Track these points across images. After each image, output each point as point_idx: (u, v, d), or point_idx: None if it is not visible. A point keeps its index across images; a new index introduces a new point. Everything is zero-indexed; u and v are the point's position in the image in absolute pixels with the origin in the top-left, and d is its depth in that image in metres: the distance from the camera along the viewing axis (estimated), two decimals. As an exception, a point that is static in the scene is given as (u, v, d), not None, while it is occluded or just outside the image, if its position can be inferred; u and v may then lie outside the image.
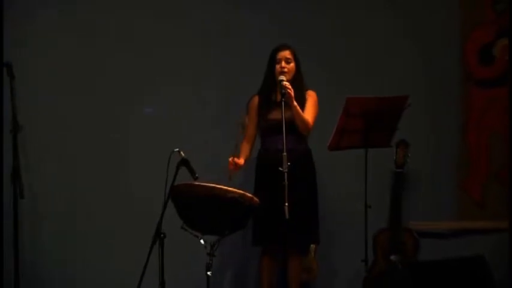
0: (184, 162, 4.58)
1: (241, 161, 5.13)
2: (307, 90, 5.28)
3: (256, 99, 5.33)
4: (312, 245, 5.49)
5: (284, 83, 5.04)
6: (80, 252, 5.50)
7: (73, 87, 5.47)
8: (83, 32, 5.49)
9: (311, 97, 5.27)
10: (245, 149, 5.28)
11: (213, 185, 4.63)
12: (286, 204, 4.62)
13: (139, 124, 5.60)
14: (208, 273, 4.66)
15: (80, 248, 5.51)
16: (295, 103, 5.11)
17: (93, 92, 5.50)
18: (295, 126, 5.11)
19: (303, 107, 5.18)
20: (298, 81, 5.20)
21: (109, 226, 5.52)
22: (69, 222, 5.48)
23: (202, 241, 4.71)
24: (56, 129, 5.48)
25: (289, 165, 4.67)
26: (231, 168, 5.05)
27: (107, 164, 5.57)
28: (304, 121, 5.17)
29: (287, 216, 4.63)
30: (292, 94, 5.05)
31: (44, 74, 5.44)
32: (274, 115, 5.14)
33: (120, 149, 5.56)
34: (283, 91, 4.98)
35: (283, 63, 5.21)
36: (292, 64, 5.23)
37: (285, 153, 4.70)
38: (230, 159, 5.02)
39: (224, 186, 4.69)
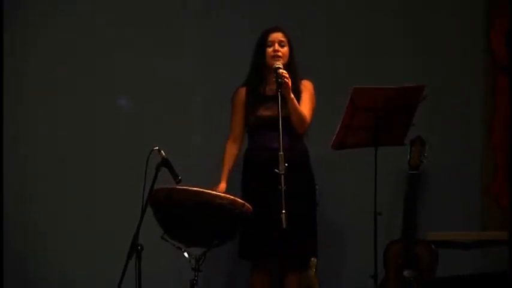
0: (165, 162, 4.36)
1: (223, 186, 4.96)
2: (301, 80, 5.02)
3: (242, 91, 5.05)
4: (312, 259, 5.21)
5: (281, 70, 4.78)
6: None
7: (57, 85, 5.52)
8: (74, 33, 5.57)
9: (307, 88, 5.02)
10: (231, 152, 5.06)
11: (199, 189, 4.43)
12: (284, 211, 4.45)
13: (116, 121, 5.56)
14: (194, 291, 4.54)
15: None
16: (292, 95, 4.84)
17: (73, 91, 5.54)
18: (290, 122, 4.89)
19: (298, 99, 4.94)
20: (292, 69, 4.92)
21: (80, 236, 5.46)
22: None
23: (186, 254, 4.52)
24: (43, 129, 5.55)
25: (286, 166, 4.53)
26: None
27: (80, 165, 5.52)
28: (301, 117, 4.92)
29: (285, 225, 4.47)
30: (290, 84, 4.78)
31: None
32: (267, 110, 4.92)
33: (92, 148, 5.52)
34: (280, 80, 4.74)
35: (276, 46, 4.94)
36: (286, 48, 4.97)
37: (281, 153, 4.53)
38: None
39: (212, 190, 4.52)
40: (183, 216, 4.43)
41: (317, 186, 5.17)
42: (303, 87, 4.98)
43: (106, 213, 5.42)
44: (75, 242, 5.41)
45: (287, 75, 4.74)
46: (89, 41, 5.47)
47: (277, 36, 4.94)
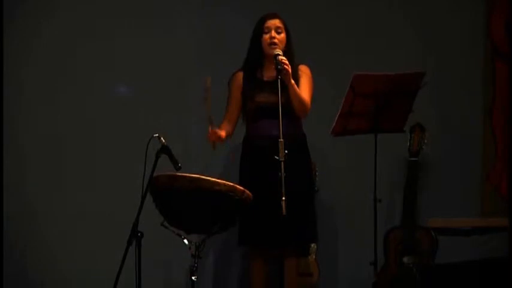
0: (165, 149, 4.38)
1: (223, 133, 4.89)
2: (298, 65, 4.98)
3: (240, 76, 5.03)
4: (312, 245, 5.32)
5: (280, 57, 4.73)
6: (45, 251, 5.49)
7: (57, 85, 5.52)
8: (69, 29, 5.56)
9: (305, 73, 4.98)
10: (226, 128, 4.98)
11: (199, 176, 4.40)
12: (284, 198, 4.39)
13: (116, 121, 5.54)
14: (193, 277, 4.46)
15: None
16: (293, 81, 4.82)
17: (73, 91, 5.54)
18: (290, 108, 4.85)
19: (296, 84, 4.89)
20: (289, 55, 4.86)
21: (80, 223, 5.45)
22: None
23: (185, 241, 4.50)
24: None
25: (286, 153, 4.47)
26: (212, 139, 4.81)
27: (80, 152, 5.51)
28: (303, 102, 4.88)
29: (284, 211, 4.40)
30: (290, 70, 4.75)
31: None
32: (264, 97, 4.90)
33: (92, 149, 5.52)
34: (279, 67, 4.69)
35: (273, 33, 4.91)
36: (283, 35, 4.93)
37: (281, 140, 4.47)
38: (210, 129, 4.77)
39: (211, 177, 4.46)
40: (182, 203, 4.41)
41: (317, 172, 5.17)
42: (300, 72, 4.94)
43: (106, 213, 5.39)
44: (75, 242, 5.39)
45: (287, 62, 4.71)
46: (89, 41, 5.46)
47: (274, 22, 4.91)
